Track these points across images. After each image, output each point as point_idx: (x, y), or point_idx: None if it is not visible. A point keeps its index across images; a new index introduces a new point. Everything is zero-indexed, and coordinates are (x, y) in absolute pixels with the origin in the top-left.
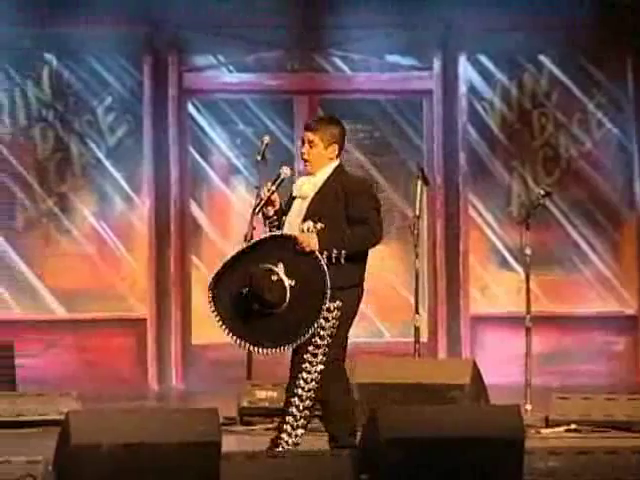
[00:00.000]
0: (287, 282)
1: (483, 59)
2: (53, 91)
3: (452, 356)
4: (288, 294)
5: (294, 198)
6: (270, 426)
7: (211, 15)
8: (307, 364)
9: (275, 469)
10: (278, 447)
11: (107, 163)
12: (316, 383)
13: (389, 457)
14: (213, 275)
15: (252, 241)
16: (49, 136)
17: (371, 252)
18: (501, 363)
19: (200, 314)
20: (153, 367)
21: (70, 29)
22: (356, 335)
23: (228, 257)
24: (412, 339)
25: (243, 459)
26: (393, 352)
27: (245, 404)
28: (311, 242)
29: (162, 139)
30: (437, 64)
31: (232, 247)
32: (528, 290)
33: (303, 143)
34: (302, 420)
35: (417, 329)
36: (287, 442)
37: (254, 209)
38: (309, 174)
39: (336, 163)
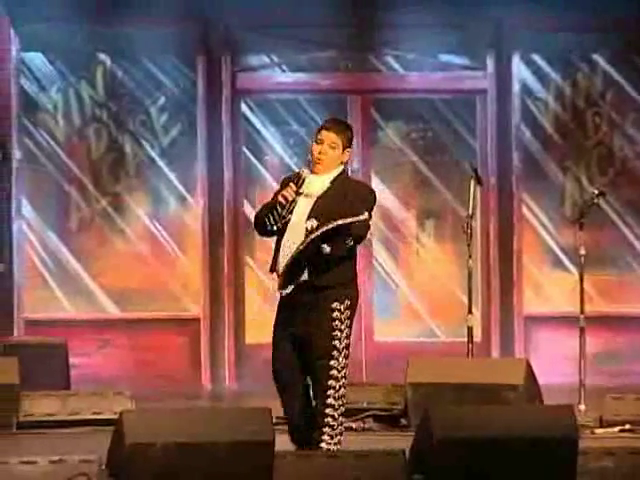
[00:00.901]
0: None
1: (537, 58)
2: (107, 91)
3: (505, 356)
4: None
5: (298, 194)
6: None
7: (265, 15)
8: (334, 371)
9: (327, 469)
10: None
11: (161, 163)
12: (344, 388)
13: (442, 457)
14: None
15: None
16: (103, 136)
17: (425, 252)
18: (555, 363)
19: (253, 314)
20: (206, 367)
21: (124, 29)
22: (409, 335)
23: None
24: (465, 339)
25: (296, 459)
26: (446, 352)
27: None
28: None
29: (216, 139)
30: (490, 63)
31: None
32: (582, 290)
33: (320, 143)
34: (340, 427)
35: (470, 329)
36: (329, 443)
37: (281, 212)
38: (314, 174)
39: (342, 168)
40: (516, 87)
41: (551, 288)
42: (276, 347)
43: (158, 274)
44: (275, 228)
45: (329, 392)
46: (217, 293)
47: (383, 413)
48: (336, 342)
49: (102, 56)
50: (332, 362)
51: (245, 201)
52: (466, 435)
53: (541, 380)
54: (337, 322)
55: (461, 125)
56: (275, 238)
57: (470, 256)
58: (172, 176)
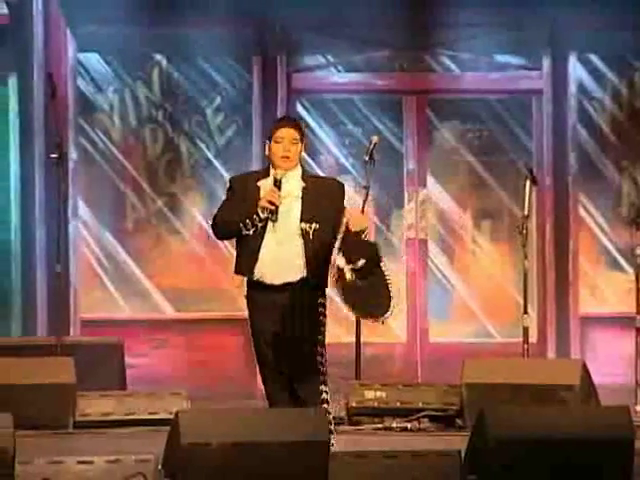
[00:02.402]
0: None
1: (593, 58)
2: (163, 92)
3: (561, 356)
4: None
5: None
6: (379, 426)
7: (320, 15)
8: (321, 366)
9: (383, 469)
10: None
11: (216, 163)
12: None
13: (497, 457)
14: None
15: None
16: (159, 137)
17: (481, 252)
18: (611, 364)
19: None
20: None
21: (180, 30)
22: (465, 335)
23: None
24: (520, 339)
25: (351, 459)
26: (501, 353)
27: (354, 404)
28: (363, 221)
29: None
30: (546, 63)
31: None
32: (638, 290)
33: (279, 142)
34: (332, 425)
35: (526, 329)
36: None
37: (269, 217)
38: (281, 172)
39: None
40: (572, 87)
41: (607, 288)
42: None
43: (213, 274)
44: (251, 232)
45: (321, 387)
46: None
47: (438, 413)
48: (320, 337)
49: (158, 57)
50: (319, 358)
51: None
52: (521, 436)
53: (597, 380)
54: (322, 317)
55: (517, 125)
56: (243, 241)
57: (526, 256)
58: (227, 176)
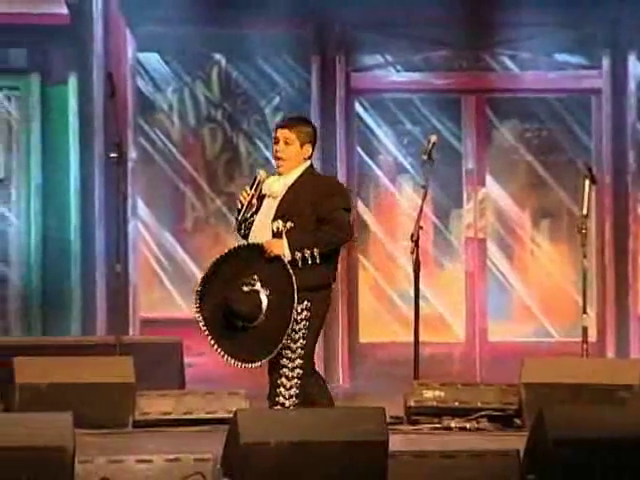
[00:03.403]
0: (263, 293)
1: None
2: (222, 91)
3: (620, 356)
4: (264, 305)
5: (263, 197)
6: (438, 425)
7: (379, 14)
8: (286, 369)
9: (442, 469)
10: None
11: (275, 163)
12: (297, 389)
13: (556, 457)
14: (196, 291)
15: (224, 253)
16: (218, 136)
17: (540, 252)
18: None
19: (367, 313)
20: (320, 366)
21: (239, 29)
22: (524, 335)
23: (206, 271)
24: (580, 339)
25: (410, 458)
26: (560, 352)
27: (412, 403)
28: (274, 247)
29: (329, 139)
30: (606, 62)
31: (399, 247)
32: None
33: (276, 142)
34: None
35: (585, 329)
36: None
37: (236, 216)
38: (279, 174)
39: (307, 164)
40: (632, 86)
41: None
42: None
43: None
44: (246, 233)
45: (279, 390)
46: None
47: (497, 413)
48: (290, 343)
49: (217, 56)
50: (283, 361)
51: (359, 200)
52: (580, 435)
53: None
54: (293, 324)
55: (576, 124)
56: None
57: (585, 256)
58: None
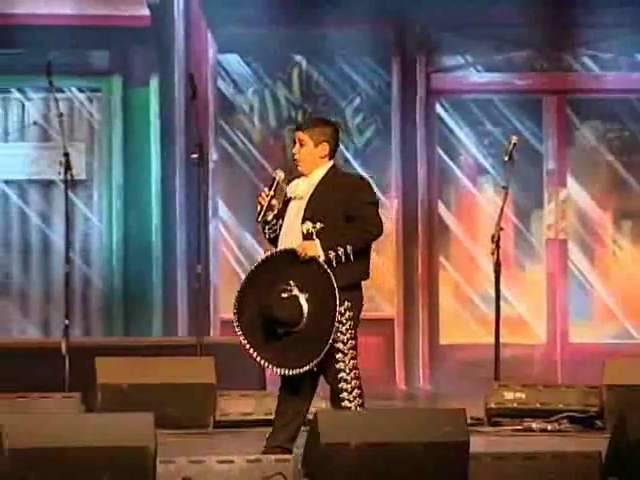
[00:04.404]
0: (302, 297)
1: None
2: (303, 92)
3: None
4: (305, 309)
5: (289, 201)
6: (519, 427)
7: (460, 15)
8: (343, 373)
9: (523, 470)
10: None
11: (355, 164)
12: (358, 389)
13: (638, 459)
14: (234, 300)
15: (257, 264)
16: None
17: (621, 253)
18: None
19: (448, 314)
20: (400, 367)
21: (320, 30)
22: (605, 336)
23: (241, 284)
24: None
25: (491, 460)
26: None
27: (493, 405)
28: (308, 249)
29: (410, 140)
30: None
31: (479, 248)
32: None
33: (294, 145)
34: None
35: None
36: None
37: (257, 217)
38: (302, 175)
39: (330, 164)
40: None
41: None
42: None
43: None
44: (272, 236)
45: (342, 395)
46: (411, 293)
47: (579, 415)
48: (340, 345)
49: (298, 57)
50: (339, 365)
51: (439, 201)
52: None
53: None
54: (338, 325)
55: None
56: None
57: None
58: (366, 176)
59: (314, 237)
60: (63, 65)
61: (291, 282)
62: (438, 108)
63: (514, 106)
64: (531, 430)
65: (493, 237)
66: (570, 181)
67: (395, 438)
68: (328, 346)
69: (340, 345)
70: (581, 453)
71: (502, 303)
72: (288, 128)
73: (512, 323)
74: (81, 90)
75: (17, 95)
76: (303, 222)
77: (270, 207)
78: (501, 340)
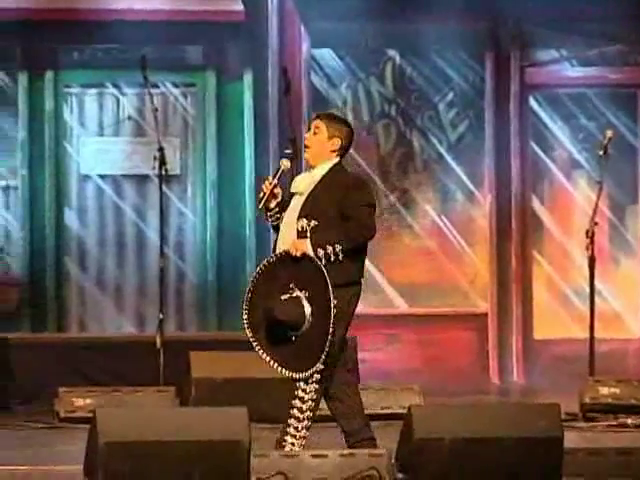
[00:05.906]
0: (304, 299)
1: None
2: (396, 87)
3: None
4: (308, 310)
5: (293, 195)
6: (613, 422)
7: (554, 9)
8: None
9: (617, 465)
10: (283, 449)
11: (448, 158)
12: (317, 384)
13: None
14: (243, 305)
15: (258, 271)
16: (391, 132)
17: None
18: None
19: (542, 309)
20: (494, 362)
21: (413, 25)
22: None
23: (246, 294)
24: None
25: (585, 455)
26: None
27: (587, 400)
28: (298, 246)
29: (503, 134)
30: None
31: (573, 243)
32: None
33: (308, 132)
34: (306, 421)
35: None
36: (293, 444)
37: (257, 204)
38: (310, 166)
39: (336, 161)
40: None
41: None
42: None
43: (445, 269)
44: (274, 224)
45: (299, 384)
46: (505, 288)
47: None
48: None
49: (391, 52)
50: None
51: (533, 196)
52: None
53: None
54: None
55: None
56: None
57: None
58: (459, 171)
59: (307, 234)
60: (157, 60)
61: (291, 285)
62: (532, 102)
63: (608, 100)
64: (626, 425)
65: (587, 232)
66: None
67: (488, 433)
68: (328, 347)
69: None
70: None
71: (597, 298)
72: (382, 123)
73: (606, 318)
74: (175, 85)
75: (112, 90)
76: (299, 219)
77: (273, 195)
78: (595, 335)
